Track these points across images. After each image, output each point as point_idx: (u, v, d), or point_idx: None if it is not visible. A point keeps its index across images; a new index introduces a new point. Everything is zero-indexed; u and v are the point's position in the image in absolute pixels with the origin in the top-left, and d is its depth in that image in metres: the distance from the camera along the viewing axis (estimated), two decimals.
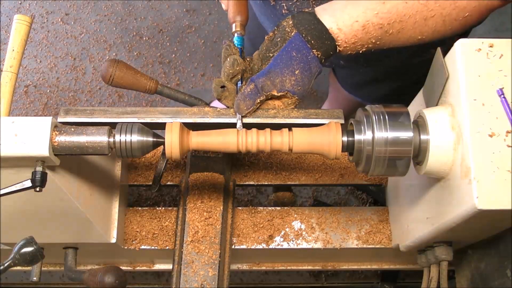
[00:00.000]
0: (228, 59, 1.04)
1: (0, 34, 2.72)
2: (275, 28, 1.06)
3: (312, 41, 1.02)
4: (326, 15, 1.03)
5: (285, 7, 1.26)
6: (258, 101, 1.02)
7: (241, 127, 1.03)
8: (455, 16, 1.02)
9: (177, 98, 1.24)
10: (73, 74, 2.63)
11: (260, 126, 0.99)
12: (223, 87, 1.05)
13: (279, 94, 1.03)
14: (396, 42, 1.06)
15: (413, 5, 1.00)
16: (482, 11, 1.04)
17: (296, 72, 1.02)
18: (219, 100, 1.07)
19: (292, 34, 1.03)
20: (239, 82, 1.06)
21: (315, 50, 1.02)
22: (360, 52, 1.06)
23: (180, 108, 1.07)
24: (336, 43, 1.02)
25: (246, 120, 1.04)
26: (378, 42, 1.04)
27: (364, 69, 1.57)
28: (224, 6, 1.22)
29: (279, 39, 1.04)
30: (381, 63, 1.47)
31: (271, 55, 1.05)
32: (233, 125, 1.03)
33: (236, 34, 1.18)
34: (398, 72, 1.53)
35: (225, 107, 1.08)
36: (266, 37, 1.08)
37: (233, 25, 1.18)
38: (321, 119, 1.04)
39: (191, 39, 2.71)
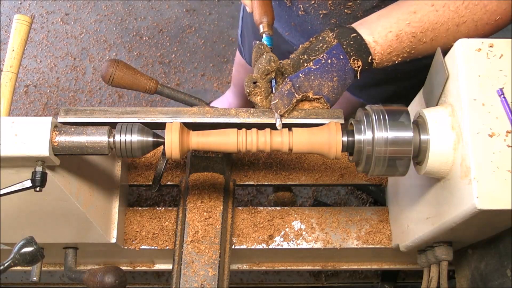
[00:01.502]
0: (264, 55, 1.05)
1: (0, 34, 2.72)
2: (314, 37, 1.08)
3: (351, 53, 1.04)
4: (362, 28, 1.06)
5: (302, 9, 1.27)
6: (295, 100, 1.03)
7: (281, 126, 1.03)
8: (487, 20, 1.03)
9: (177, 98, 1.24)
10: (73, 74, 2.63)
11: (260, 126, 0.99)
12: (255, 83, 1.05)
13: (315, 97, 1.04)
14: (431, 50, 1.07)
15: (444, 12, 1.02)
16: None
17: (334, 79, 1.04)
18: (248, 96, 1.07)
19: (334, 43, 1.06)
20: (273, 81, 1.06)
21: (352, 62, 1.05)
22: (396, 62, 1.08)
23: (180, 108, 1.07)
24: (373, 57, 1.05)
25: (246, 120, 1.04)
26: (412, 52, 1.06)
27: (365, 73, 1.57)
28: (248, 9, 1.22)
29: (320, 46, 1.06)
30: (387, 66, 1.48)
31: (311, 58, 1.06)
32: (233, 125, 1.02)
33: (264, 35, 1.18)
34: (404, 74, 1.54)
35: (255, 105, 1.07)
36: (300, 46, 1.09)
37: (261, 26, 1.18)
38: (321, 119, 1.04)
39: (191, 39, 2.71)
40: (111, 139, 0.93)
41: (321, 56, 1.05)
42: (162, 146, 0.96)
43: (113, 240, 1.23)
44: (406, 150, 0.93)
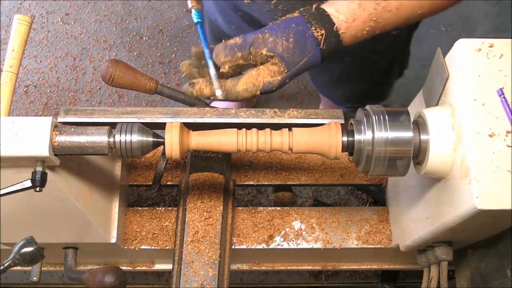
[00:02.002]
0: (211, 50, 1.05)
1: (0, 34, 2.72)
2: (280, 18, 1.07)
3: (313, 22, 1.02)
4: (326, 5, 1.05)
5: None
6: (239, 54, 0.99)
7: (220, 92, 1.00)
8: None
9: (177, 98, 1.24)
10: (73, 74, 2.63)
11: (260, 126, 0.99)
12: (191, 83, 1.05)
13: (268, 54, 1.00)
14: (399, 20, 1.06)
15: None
16: None
17: (290, 40, 1.00)
18: (192, 96, 1.06)
19: (295, 15, 1.04)
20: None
21: (314, 30, 1.02)
22: (365, 34, 1.06)
23: (180, 108, 1.07)
24: (338, 27, 1.03)
25: (246, 120, 1.04)
26: (380, 21, 1.04)
27: (330, 66, 1.56)
28: None
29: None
30: (344, 58, 1.48)
31: (270, 24, 1.05)
32: (233, 125, 1.03)
33: (194, 10, 1.16)
34: (361, 68, 1.54)
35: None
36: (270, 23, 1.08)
37: (188, 2, 1.16)
38: (321, 119, 1.04)
39: (191, 39, 2.71)
40: (111, 139, 0.93)
41: (281, 20, 1.03)
42: (162, 146, 0.96)
43: (113, 240, 1.23)
44: (406, 150, 0.93)
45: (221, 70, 1.01)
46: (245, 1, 1.25)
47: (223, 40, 1.03)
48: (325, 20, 1.02)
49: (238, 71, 1.06)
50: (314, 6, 1.05)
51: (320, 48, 1.03)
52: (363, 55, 1.47)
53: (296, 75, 1.04)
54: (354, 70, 1.57)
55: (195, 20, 1.14)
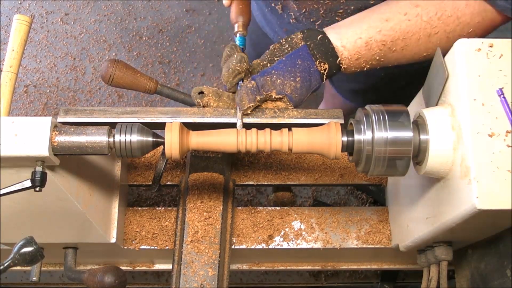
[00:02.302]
0: (235, 55, 1.05)
1: (0, 34, 2.72)
2: (284, 39, 1.08)
3: (318, 55, 1.05)
4: (332, 32, 1.06)
5: (293, 17, 1.26)
6: (258, 98, 1.03)
7: (241, 126, 1.03)
8: (459, 32, 1.03)
9: (177, 98, 1.24)
10: (73, 74, 2.63)
11: (260, 126, 0.99)
12: (201, 93, 1.06)
13: (277, 96, 1.04)
14: (402, 59, 1.07)
15: (416, 22, 1.02)
16: (487, 27, 1.04)
17: (297, 79, 1.04)
18: (198, 106, 1.07)
19: (300, 45, 1.06)
20: (240, 82, 1.06)
21: (318, 65, 1.05)
22: (365, 69, 1.08)
23: (180, 108, 1.07)
24: (340, 61, 1.05)
25: (246, 120, 1.04)
26: (382, 59, 1.06)
27: (361, 76, 1.58)
28: (225, 3, 1.22)
29: (286, 47, 1.07)
30: (379, 71, 1.49)
31: (276, 59, 1.07)
32: (233, 125, 1.03)
33: (238, 35, 1.18)
34: (396, 79, 1.54)
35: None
36: (271, 46, 1.09)
37: (236, 25, 1.18)
38: (321, 119, 1.04)
39: (191, 39, 2.71)
40: (111, 139, 0.93)
41: (286, 56, 1.05)
42: (162, 146, 0.96)
43: (113, 240, 1.23)
44: (406, 150, 0.93)
45: (244, 112, 1.05)
46: (291, 21, 1.27)
47: (240, 83, 1.06)
48: (330, 54, 1.05)
49: None
50: (318, 33, 1.06)
51: (322, 79, 1.07)
52: (396, 75, 1.47)
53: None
54: (385, 83, 1.58)
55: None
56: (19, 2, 2.81)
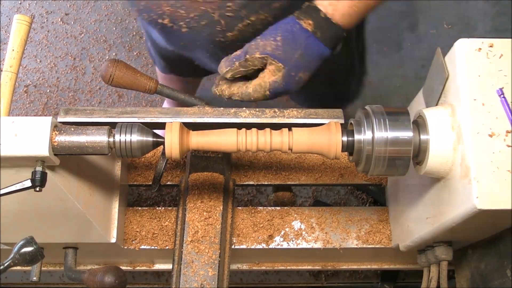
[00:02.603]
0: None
1: (0, 34, 2.72)
2: None
3: (301, 16, 1.07)
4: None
5: (184, 25, 1.22)
6: (237, 63, 1.07)
7: (216, 93, 1.10)
8: None
9: (177, 98, 1.24)
10: (73, 74, 2.63)
11: (260, 126, 0.99)
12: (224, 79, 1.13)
13: (261, 56, 1.07)
14: None
15: None
16: None
17: (278, 38, 1.07)
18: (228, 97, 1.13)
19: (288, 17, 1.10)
20: None
21: (303, 23, 1.07)
22: (362, 13, 1.09)
23: (180, 108, 1.07)
24: (325, 12, 1.07)
25: (246, 120, 1.04)
26: None
27: None
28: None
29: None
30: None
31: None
32: (233, 125, 1.03)
33: None
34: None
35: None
36: None
37: None
38: (321, 119, 1.04)
39: None
40: (111, 139, 0.93)
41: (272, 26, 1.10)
42: (162, 146, 0.96)
43: (113, 240, 1.23)
44: (406, 150, 0.93)
45: (227, 78, 1.12)
46: (183, 30, 1.25)
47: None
48: (311, 10, 1.08)
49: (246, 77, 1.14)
50: (304, 4, 1.09)
51: (317, 37, 1.07)
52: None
53: (303, 69, 1.09)
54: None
55: None
56: (19, 2, 2.81)
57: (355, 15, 1.09)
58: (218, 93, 1.15)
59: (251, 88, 1.10)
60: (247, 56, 1.07)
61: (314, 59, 1.09)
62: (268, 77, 1.08)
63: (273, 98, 1.12)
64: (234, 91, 1.12)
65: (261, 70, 1.10)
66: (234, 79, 1.12)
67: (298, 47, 1.07)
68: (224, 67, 1.08)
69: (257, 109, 1.05)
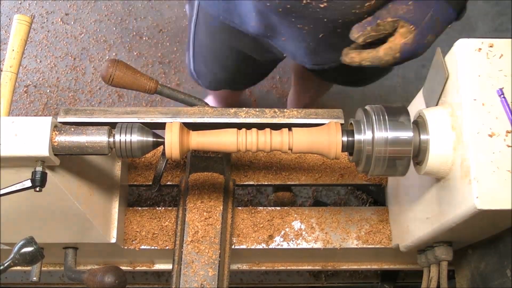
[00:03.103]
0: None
1: (0, 34, 2.72)
2: None
3: None
4: None
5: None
6: (369, 28, 1.08)
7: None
8: None
9: (177, 98, 1.24)
10: (73, 74, 2.63)
11: (260, 126, 0.99)
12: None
13: (392, 19, 1.07)
14: None
15: None
16: None
17: (409, 2, 1.07)
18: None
19: None
20: None
21: None
22: None
23: (180, 108, 1.06)
24: None
25: (246, 120, 1.04)
26: None
27: (311, 32, 1.54)
28: None
29: None
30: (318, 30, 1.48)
31: None
32: (233, 125, 1.02)
33: None
34: (340, 39, 1.54)
35: None
36: None
37: None
38: (321, 119, 1.04)
39: None
40: (111, 139, 0.93)
41: None
42: (162, 146, 0.96)
43: (113, 240, 1.23)
44: (406, 150, 0.93)
45: (359, 43, 1.13)
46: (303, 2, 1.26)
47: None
48: None
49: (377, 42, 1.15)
50: None
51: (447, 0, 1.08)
52: (343, 25, 1.46)
53: (432, 32, 1.10)
54: (333, 40, 1.56)
55: None
56: (19, 2, 2.81)
57: None
58: (348, 61, 1.16)
59: (382, 51, 1.11)
60: (379, 21, 1.08)
61: (443, 22, 1.10)
62: (399, 40, 1.09)
63: (402, 62, 1.13)
64: (364, 56, 1.13)
65: (390, 35, 1.11)
66: (363, 47, 1.14)
67: (428, 10, 1.07)
68: (356, 32, 1.09)
69: (257, 109, 1.05)
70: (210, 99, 2.31)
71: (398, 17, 1.07)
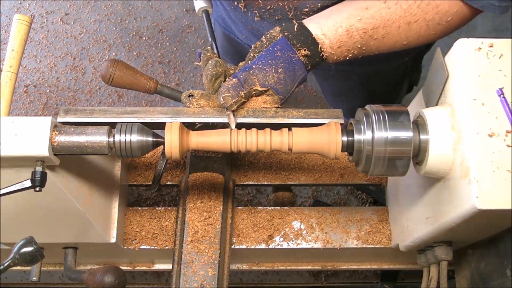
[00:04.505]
0: (210, 61, 1.05)
1: (0, 34, 2.72)
2: (263, 36, 1.09)
3: (298, 45, 1.05)
4: (311, 23, 1.06)
5: (257, 14, 1.25)
6: (242, 94, 1.03)
7: (234, 125, 1.03)
8: (438, 21, 1.04)
9: (177, 98, 1.24)
10: (73, 74, 2.63)
11: (260, 126, 0.99)
12: (190, 96, 1.07)
13: (262, 89, 1.04)
14: (383, 47, 1.08)
15: (395, 10, 1.03)
16: (466, 15, 1.06)
17: (279, 70, 1.04)
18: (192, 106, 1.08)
19: (278, 37, 1.06)
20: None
21: (299, 54, 1.05)
22: (347, 58, 1.08)
23: (180, 108, 1.06)
24: (322, 49, 1.05)
25: (246, 120, 1.04)
26: (364, 48, 1.07)
27: (339, 80, 1.58)
28: None
29: (265, 42, 1.07)
30: (352, 73, 1.49)
31: (256, 55, 1.07)
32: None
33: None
34: (371, 80, 1.55)
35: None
36: (253, 45, 1.10)
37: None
38: (321, 119, 1.04)
39: (191, 39, 2.71)
40: (111, 139, 0.93)
41: (265, 50, 1.06)
42: (162, 146, 0.96)
43: (113, 240, 1.23)
44: (406, 150, 0.93)
45: (229, 109, 1.06)
46: (256, 19, 1.27)
47: (222, 83, 1.06)
48: (310, 42, 1.05)
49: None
50: (296, 24, 1.06)
51: (308, 69, 1.07)
52: (371, 74, 1.48)
53: (288, 96, 1.09)
54: (363, 86, 1.58)
55: None
56: (19, 2, 2.81)
57: (342, 60, 1.08)
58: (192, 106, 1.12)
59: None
60: (248, 87, 1.04)
61: (298, 84, 1.09)
62: (260, 105, 1.07)
63: None
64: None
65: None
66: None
67: (296, 80, 1.06)
68: (230, 98, 1.03)
69: (257, 109, 1.05)
70: None
71: (268, 87, 1.04)
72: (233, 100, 1.02)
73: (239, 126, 1.00)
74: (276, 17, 1.20)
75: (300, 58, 1.05)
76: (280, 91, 1.05)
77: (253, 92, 1.05)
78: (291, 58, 1.05)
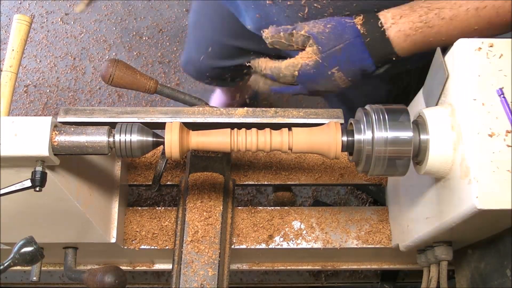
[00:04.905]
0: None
1: (0, 34, 2.72)
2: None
3: (356, 16, 1.07)
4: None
5: None
6: (282, 34, 1.08)
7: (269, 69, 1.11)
8: (508, 8, 1.00)
9: (177, 98, 1.24)
10: (73, 74, 2.63)
11: (260, 126, 0.99)
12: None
13: (305, 34, 1.07)
14: (453, 31, 1.04)
15: None
16: None
17: (328, 26, 1.07)
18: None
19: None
20: None
21: (358, 21, 1.06)
22: (420, 42, 1.05)
23: (180, 108, 1.06)
24: (383, 22, 1.05)
25: (246, 120, 1.04)
26: (431, 26, 1.04)
27: (348, 97, 1.57)
28: None
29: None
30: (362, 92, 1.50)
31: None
32: (233, 125, 1.02)
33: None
34: (377, 98, 1.54)
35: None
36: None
37: None
38: (321, 119, 1.04)
39: None
40: (111, 139, 0.93)
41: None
42: (162, 146, 0.96)
43: (113, 240, 1.23)
44: (406, 150, 0.93)
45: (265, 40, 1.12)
46: (267, 2, 1.26)
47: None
48: (371, 16, 1.06)
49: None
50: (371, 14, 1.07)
51: (364, 41, 1.06)
52: (379, 85, 1.47)
53: (339, 67, 1.08)
54: (369, 100, 1.57)
55: None
56: (19, 2, 2.81)
57: (411, 40, 1.06)
58: (254, 65, 1.16)
59: (284, 64, 1.10)
60: (294, 31, 1.07)
61: (354, 64, 1.08)
62: (302, 58, 1.08)
63: (301, 84, 1.12)
64: (269, 64, 1.12)
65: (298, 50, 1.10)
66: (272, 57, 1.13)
67: (342, 40, 1.06)
68: (269, 31, 1.08)
69: (257, 109, 1.05)
70: (215, 96, 2.33)
71: (310, 34, 1.06)
72: (271, 34, 1.07)
73: (239, 126, 1.00)
74: (289, 2, 1.19)
75: (357, 26, 1.06)
76: (320, 42, 1.05)
77: (299, 39, 1.07)
78: (346, 22, 1.06)
